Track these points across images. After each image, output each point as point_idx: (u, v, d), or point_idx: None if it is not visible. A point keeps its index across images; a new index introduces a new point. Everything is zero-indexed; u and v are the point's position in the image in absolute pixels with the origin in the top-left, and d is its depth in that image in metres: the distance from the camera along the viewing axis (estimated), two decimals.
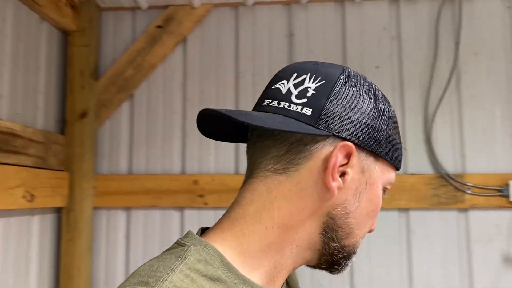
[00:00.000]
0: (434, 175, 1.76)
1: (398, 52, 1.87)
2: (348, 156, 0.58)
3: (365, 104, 0.60)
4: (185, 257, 0.55)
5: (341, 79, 0.60)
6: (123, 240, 1.86)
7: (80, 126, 1.81)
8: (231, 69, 1.92)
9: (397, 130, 0.63)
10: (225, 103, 1.89)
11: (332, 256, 0.61)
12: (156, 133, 1.90)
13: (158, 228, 1.85)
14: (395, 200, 1.76)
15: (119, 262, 1.85)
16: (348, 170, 0.58)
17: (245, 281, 0.57)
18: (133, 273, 0.54)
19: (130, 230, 1.86)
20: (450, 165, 1.77)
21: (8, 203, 1.38)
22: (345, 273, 1.73)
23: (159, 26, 1.91)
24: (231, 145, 1.87)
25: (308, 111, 0.57)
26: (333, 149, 0.57)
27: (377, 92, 0.62)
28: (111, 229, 1.87)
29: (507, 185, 1.72)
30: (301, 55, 1.89)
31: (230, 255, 0.57)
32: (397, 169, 0.63)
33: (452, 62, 1.80)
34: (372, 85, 0.62)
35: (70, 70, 1.84)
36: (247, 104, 1.88)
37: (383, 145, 0.60)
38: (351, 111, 0.59)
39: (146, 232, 1.85)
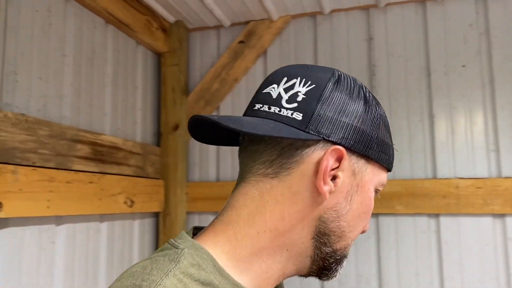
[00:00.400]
0: None
1: (487, 49, 1.76)
2: (339, 159, 0.58)
3: (355, 107, 0.60)
4: (178, 260, 0.55)
5: (330, 83, 0.60)
6: None
7: (174, 138, 1.98)
8: None
9: (389, 132, 0.64)
10: None
11: (324, 261, 0.61)
12: None
13: None
14: (488, 205, 1.66)
15: None
16: (339, 173, 0.59)
17: (236, 286, 0.57)
18: (125, 273, 0.54)
19: None
20: None
21: (112, 208, 1.57)
22: (436, 281, 1.68)
23: (241, 42, 2.02)
24: None
25: (298, 116, 0.58)
26: (324, 153, 0.57)
27: (367, 95, 0.62)
28: None
29: None
30: (381, 59, 1.87)
31: (222, 259, 0.57)
32: (389, 170, 0.64)
33: None
34: (362, 88, 0.62)
35: (163, 88, 2.03)
36: None
37: (374, 147, 0.61)
38: (341, 115, 0.59)
39: None
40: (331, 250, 0.60)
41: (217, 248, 0.58)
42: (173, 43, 2.03)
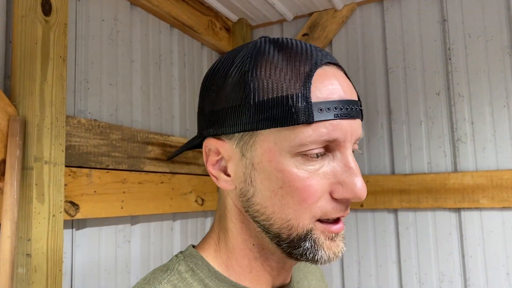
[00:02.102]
0: None
1: None
2: (215, 151, 0.58)
3: (209, 91, 0.58)
4: (173, 268, 0.58)
5: (208, 75, 0.60)
6: None
7: None
8: (379, 65, 1.87)
9: (277, 86, 0.52)
10: (375, 99, 1.85)
11: (280, 245, 0.56)
12: None
13: None
14: None
15: None
16: (224, 163, 0.58)
17: (233, 286, 0.59)
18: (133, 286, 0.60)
19: None
20: None
21: (183, 207, 1.61)
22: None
23: (305, 34, 1.98)
24: (385, 144, 1.81)
25: (200, 120, 0.61)
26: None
27: (227, 68, 0.57)
28: None
29: None
30: (457, 40, 1.73)
31: (216, 263, 0.60)
32: (305, 122, 0.51)
33: None
34: (226, 63, 0.57)
35: None
36: (398, 100, 1.80)
37: (246, 118, 0.53)
38: (208, 105, 0.58)
39: None
40: (272, 235, 0.56)
41: (210, 253, 0.61)
42: (237, 41, 2.04)
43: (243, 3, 1.88)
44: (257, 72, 0.53)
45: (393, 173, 1.79)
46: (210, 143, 0.58)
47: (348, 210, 0.56)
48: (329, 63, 0.56)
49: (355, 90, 0.58)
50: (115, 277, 1.36)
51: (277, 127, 0.52)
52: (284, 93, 0.52)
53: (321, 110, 0.52)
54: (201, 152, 1.75)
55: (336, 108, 0.52)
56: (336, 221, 0.56)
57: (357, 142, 0.57)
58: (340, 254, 0.56)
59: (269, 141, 0.53)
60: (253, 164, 0.55)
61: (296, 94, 0.51)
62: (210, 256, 0.60)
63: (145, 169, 1.47)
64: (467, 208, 1.64)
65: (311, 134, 0.51)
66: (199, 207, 1.70)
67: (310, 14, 1.99)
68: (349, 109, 0.53)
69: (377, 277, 1.78)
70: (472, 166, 1.66)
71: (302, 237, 0.54)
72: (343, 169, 0.53)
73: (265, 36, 0.59)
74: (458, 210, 1.67)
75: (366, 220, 1.82)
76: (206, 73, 0.62)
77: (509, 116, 1.63)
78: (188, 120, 1.79)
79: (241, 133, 0.55)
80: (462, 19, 1.74)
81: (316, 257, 0.55)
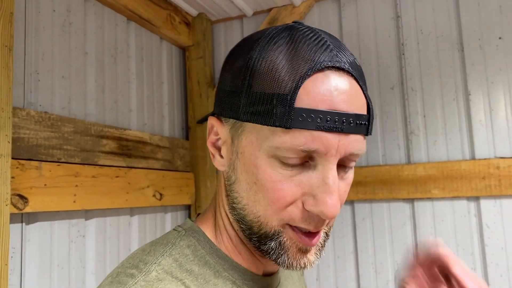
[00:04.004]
0: None
1: None
2: (216, 131, 0.58)
3: (228, 67, 0.57)
4: (174, 242, 0.57)
5: (228, 53, 0.59)
6: None
7: (202, 131, 1.99)
8: None
9: (270, 81, 0.50)
10: None
11: (252, 237, 0.56)
12: None
13: None
14: None
15: None
16: (220, 143, 0.58)
17: (234, 266, 0.58)
18: (128, 256, 0.57)
19: None
20: None
21: (141, 202, 1.59)
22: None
23: None
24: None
25: None
26: None
27: (240, 51, 0.55)
28: None
29: None
30: (410, 36, 1.78)
31: (215, 241, 0.59)
32: (282, 126, 0.48)
33: None
34: (243, 45, 0.56)
35: (189, 81, 2.04)
36: None
37: (243, 108, 0.51)
38: (220, 83, 0.58)
39: None
40: (245, 226, 0.56)
41: (209, 228, 0.60)
42: (197, 36, 2.04)
43: None
44: (259, 63, 0.51)
45: (408, 163, 1.83)
46: (213, 121, 0.58)
47: (321, 227, 0.53)
48: (335, 67, 0.50)
49: (367, 101, 0.53)
50: (69, 273, 1.33)
51: (258, 123, 0.50)
52: (273, 91, 0.49)
53: (302, 117, 0.48)
54: (159, 147, 1.74)
55: (320, 118, 0.48)
56: (312, 234, 0.54)
57: (354, 158, 0.53)
58: (308, 266, 0.55)
59: (253, 135, 0.52)
60: (237, 153, 0.54)
61: (282, 94, 0.49)
62: (209, 232, 0.59)
63: (100, 163, 1.45)
64: (420, 198, 1.70)
65: (288, 141, 0.49)
66: (158, 202, 1.69)
67: (269, 10, 2.01)
68: (338, 122, 0.49)
69: (335, 268, 1.81)
70: (425, 158, 1.71)
71: (269, 235, 0.53)
72: (320, 183, 0.50)
73: (296, 21, 0.55)
74: (411, 200, 1.72)
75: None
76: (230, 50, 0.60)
77: (458, 110, 1.69)
78: (146, 114, 1.78)
79: (234, 120, 0.54)
80: (415, 15, 1.79)
81: (279, 260, 0.54)
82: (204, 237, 0.58)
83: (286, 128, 0.48)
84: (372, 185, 1.75)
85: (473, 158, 1.65)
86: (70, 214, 1.35)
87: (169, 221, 1.84)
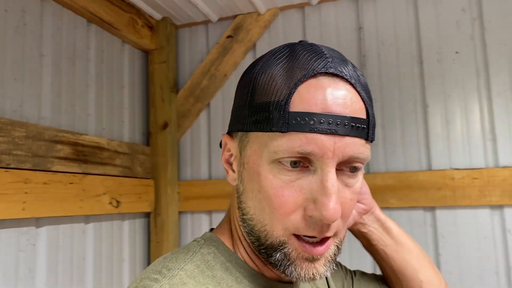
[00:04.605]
0: None
1: (481, 34, 1.69)
2: (228, 147, 0.61)
3: (238, 87, 0.61)
4: (195, 250, 0.59)
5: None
6: None
7: (163, 136, 1.95)
8: None
9: (268, 91, 0.53)
10: None
11: (261, 249, 0.57)
12: None
13: None
14: (485, 197, 1.59)
15: None
16: (232, 159, 0.61)
17: (253, 274, 0.60)
18: (150, 265, 0.59)
19: None
20: None
21: (96, 209, 1.55)
22: None
23: (229, 36, 1.99)
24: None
25: None
26: None
27: (248, 69, 0.60)
28: (195, 231, 1.98)
29: None
30: (371, 48, 1.81)
31: (235, 250, 0.62)
32: (278, 131, 0.51)
33: None
34: (251, 65, 0.61)
35: (151, 86, 2.00)
36: None
37: (246, 119, 0.55)
38: (233, 107, 0.62)
39: None
40: (254, 237, 0.57)
41: (226, 238, 0.63)
42: (161, 40, 2.01)
43: (166, 2, 1.85)
44: (260, 77, 0.54)
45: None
46: (225, 139, 0.61)
47: (327, 233, 0.53)
48: (328, 73, 0.52)
49: (366, 107, 0.54)
50: (16, 283, 1.28)
51: (258, 131, 0.53)
52: (270, 99, 0.52)
53: (296, 120, 0.50)
54: (118, 153, 1.70)
55: (314, 121, 0.50)
56: (320, 242, 0.54)
57: (360, 162, 0.53)
58: (316, 277, 0.54)
59: (255, 144, 0.54)
60: (244, 164, 0.57)
61: (277, 101, 0.51)
62: (227, 242, 0.62)
63: (53, 168, 1.40)
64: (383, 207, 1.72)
65: (284, 144, 0.50)
66: (114, 210, 1.64)
67: (235, 17, 2.00)
68: (332, 124, 0.50)
69: None
70: (383, 168, 1.74)
71: (275, 246, 0.54)
72: (319, 186, 0.51)
73: (302, 40, 0.59)
74: None
75: None
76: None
77: (416, 121, 1.73)
78: (105, 119, 1.74)
79: (241, 133, 0.57)
80: (376, 27, 1.83)
81: (287, 271, 0.54)
82: (223, 246, 0.61)
83: (282, 132, 0.50)
84: None
85: (429, 169, 1.69)
86: (19, 222, 1.30)
87: (126, 229, 1.79)
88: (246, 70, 0.61)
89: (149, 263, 1.91)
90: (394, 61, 1.78)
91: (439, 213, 1.66)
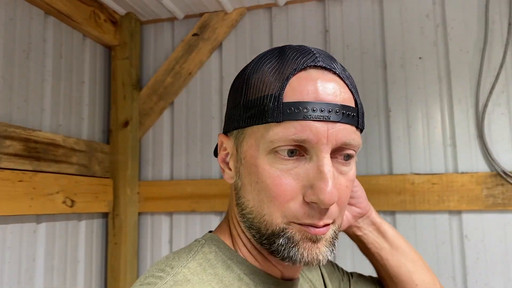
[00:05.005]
0: (488, 173, 1.57)
1: (444, 40, 1.71)
2: (224, 146, 0.63)
3: (231, 89, 0.65)
4: (197, 250, 0.61)
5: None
6: (167, 245, 1.91)
7: (123, 134, 1.90)
8: None
9: (261, 87, 0.56)
10: None
11: (262, 240, 0.58)
12: (195, 138, 1.94)
13: (198, 232, 1.87)
14: (444, 202, 1.60)
15: None
16: (228, 157, 0.63)
17: (254, 270, 0.61)
18: (152, 265, 0.60)
19: (173, 234, 1.91)
20: (507, 162, 1.57)
21: (48, 208, 1.48)
22: None
23: (195, 34, 1.95)
24: None
25: None
26: None
27: (240, 72, 0.64)
28: (155, 233, 1.93)
29: None
30: (337, 51, 1.81)
31: (235, 248, 0.63)
32: (274, 121, 0.54)
33: (504, 46, 1.61)
34: (243, 68, 0.64)
35: (113, 82, 1.95)
36: None
37: (241, 117, 0.58)
38: (226, 110, 0.65)
39: (188, 236, 1.88)
40: (255, 230, 0.59)
41: (227, 238, 0.65)
42: (124, 36, 1.95)
43: None
44: (252, 76, 0.58)
45: None
46: (221, 138, 0.63)
47: (326, 220, 0.55)
48: (317, 66, 0.56)
49: (354, 97, 0.58)
50: None
51: (254, 125, 0.56)
52: (263, 94, 0.55)
53: (290, 110, 0.53)
54: (74, 150, 1.64)
55: (307, 109, 0.53)
56: (319, 227, 0.56)
57: (352, 148, 0.57)
58: (320, 258, 0.56)
59: (252, 138, 0.57)
60: (241, 159, 0.59)
61: (270, 94, 0.54)
62: (227, 241, 0.64)
63: (1, 165, 1.33)
64: None
65: (280, 132, 0.53)
66: (68, 209, 1.58)
67: (201, 15, 1.97)
68: (324, 111, 0.53)
69: None
70: None
71: (276, 233, 0.56)
72: (316, 172, 0.53)
73: (286, 45, 0.62)
74: None
75: (194, 223, 1.82)
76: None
77: (379, 125, 1.73)
78: (62, 115, 1.67)
79: (237, 131, 0.60)
80: (342, 31, 1.82)
81: (291, 254, 0.55)
82: (224, 245, 0.63)
83: (277, 121, 0.53)
84: None
85: (390, 173, 1.69)
86: None
87: (83, 229, 1.73)
88: (238, 75, 0.64)
89: (106, 264, 1.85)
90: (359, 65, 1.78)
91: (398, 217, 1.66)
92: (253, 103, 0.56)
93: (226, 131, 0.63)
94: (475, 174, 1.59)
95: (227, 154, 0.64)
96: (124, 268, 1.81)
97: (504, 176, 1.55)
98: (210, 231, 0.68)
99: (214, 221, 1.85)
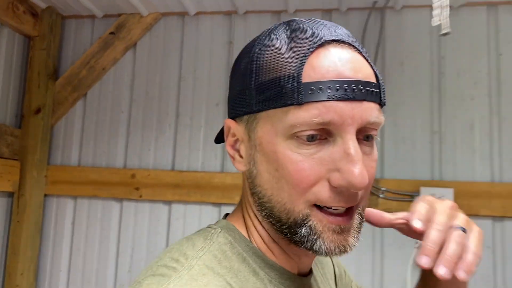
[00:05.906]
0: None
1: None
2: (233, 132, 0.58)
3: (234, 71, 0.59)
4: (212, 239, 0.57)
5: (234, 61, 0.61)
6: (70, 226, 2.06)
7: (35, 120, 2.03)
8: (174, 72, 2.08)
9: (275, 66, 0.52)
10: (167, 104, 2.05)
11: (283, 229, 0.55)
12: (104, 129, 2.09)
13: (99, 216, 2.03)
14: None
15: (65, 245, 2.05)
16: (238, 144, 0.58)
17: (270, 265, 0.57)
18: (164, 251, 0.57)
19: (75, 217, 2.06)
20: None
21: None
22: None
23: (112, 33, 2.10)
24: (170, 143, 2.02)
25: None
26: None
27: (243, 54, 0.58)
28: (59, 214, 2.07)
29: (419, 191, 1.77)
30: None
31: (250, 240, 0.59)
32: (294, 103, 0.49)
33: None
34: (245, 49, 0.59)
35: (29, 71, 2.07)
36: (186, 105, 2.03)
37: (253, 100, 0.53)
38: (230, 88, 0.60)
39: (89, 220, 2.04)
40: (275, 219, 0.55)
41: (241, 228, 0.60)
42: (44, 28, 2.08)
43: None
44: (263, 55, 0.53)
45: (173, 169, 2.01)
46: (229, 123, 0.58)
47: (353, 202, 0.52)
48: (336, 40, 0.52)
49: (374, 71, 0.53)
50: None
51: (270, 108, 0.51)
52: (279, 74, 0.50)
53: (312, 90, 0.49)
54: None
55: (330, 89, 0.49)
56: (344, 213, 0.52)
57: (375, 127, 0.52)
58: (347, 249, 0.52)
59: (267, 123, 0.52)
60: (256, 146, 0.54)
61: (288, 74, 0.50)
62: (243, 230, 0.59)
63: None
64: (226, 203, 1.92)
65: (302, 116, 0.49)
66: None
67: (119, 15, 2.12)
68: (349, 90, 0.49)
69: (147, 262, 1.97)
70: (235, 168, 1.95)
71: (298, 222, 0.52)
72: (342, 155, 0.49)
73: (293, 19, 0.56)
74: (219, 205, 1.94)
75: (143, 210, 2.00)
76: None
77: None
78: None
79: (248, 116, 0.55)
80: (245, 43, 2.02)
81: (315, 246, 0.52)
82: (240, 235, 0.58)
83: (298, 104, 0.49)
84: (188, 188, 1.95)
85: None
86: None
87: None
88: (240, 54, 0.59)
89: (8, 241, 1.97)
90: None
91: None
92: (268, 85, 0.51)
93: (234, 116, 0.58)
94: None
95: (236, 141, 0.58)
96: (25, 245, 1.94)
97: None
98: (225, 216, 0.64)
99: (114, 207, 2.02)
